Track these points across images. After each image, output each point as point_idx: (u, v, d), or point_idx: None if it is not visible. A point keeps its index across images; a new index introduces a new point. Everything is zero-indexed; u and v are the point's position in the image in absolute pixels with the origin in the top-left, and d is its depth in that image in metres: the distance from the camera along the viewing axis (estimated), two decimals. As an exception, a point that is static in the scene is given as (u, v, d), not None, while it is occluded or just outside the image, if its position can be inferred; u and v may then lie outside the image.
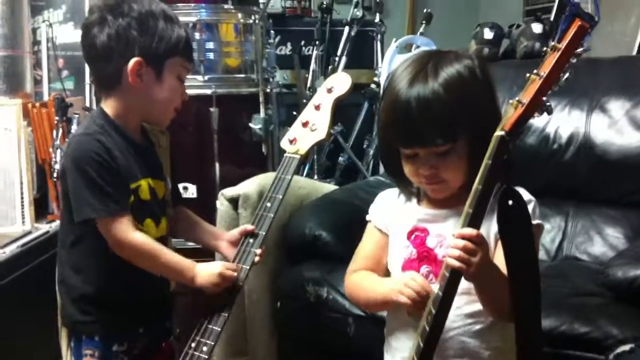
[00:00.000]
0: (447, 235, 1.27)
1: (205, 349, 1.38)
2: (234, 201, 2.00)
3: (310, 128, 1.59)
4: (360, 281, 1.35)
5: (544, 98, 1.07)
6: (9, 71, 2.80)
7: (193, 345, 1.39)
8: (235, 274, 1.44)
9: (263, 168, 2.52)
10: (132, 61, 1.40)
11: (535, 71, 1.07)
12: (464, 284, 1.13)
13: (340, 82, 1.61)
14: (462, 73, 1.22)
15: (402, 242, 1.32)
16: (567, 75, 1.06)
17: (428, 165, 1.23)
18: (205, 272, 1.43)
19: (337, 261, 1.89)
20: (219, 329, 1.40)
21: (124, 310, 1.46)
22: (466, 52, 1.28)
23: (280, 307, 1.93)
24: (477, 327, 1.25)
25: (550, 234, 2.13)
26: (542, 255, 2.09)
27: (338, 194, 2.24)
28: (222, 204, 2.02)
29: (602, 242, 2.08)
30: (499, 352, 1.27)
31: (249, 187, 2.00)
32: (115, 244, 1.39)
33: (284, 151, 1.62)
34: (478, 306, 1.23)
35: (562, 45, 1.05)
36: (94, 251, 1.42)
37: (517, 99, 1.08)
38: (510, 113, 1.09)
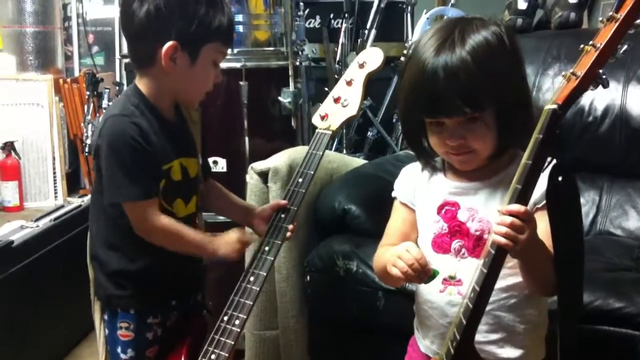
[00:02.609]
0: (479, 209, 1.25)
1: (237, 322, 1.39)
2: (263, 175, 2.00)
3: (342, 104, 1.57)
4: (379, 255, 1.35)
5: (600, 71, 1.03)
6: (40, 47, 2.83)
7: (225, 318, 1.40)
8: (251, 237, 1.49)
9: (292, 142, 2.50)
10: (167, 45, 1.37)
11: (590, 42, 1.03)
12: None
13: (372, 57, 1.59)
14: (490, 40, 1.19)
15: (432, 217, 1.30)
16: (625, 47, 1.02)
17: (456, 136, 1.20)
18: (225, 242, 1.45)
19: (366, 235, 1.88)
20: (251, 303, 1.40)
21: (158, 284, 1.47)
22: (492, 19, 1.24)
23: (310, 281, 1.93)
24: (512, 301, 1.24)
25: (584, 208, 2.10)
26: (575, 230, 2.06)
27: (367, 168, 2.22)
28: (252, 178, 2.02)
29: (637, 216, 2.04)
30: (533, 325, 1.26)
31: (279, 160, 1.99)
32: (141, 228, 1.41)
33: (315, 126, 1.61)
34: (512, 280, 1.22)
35: (621, 15, 1.01)
36: (129, 228, 1.42)
37: (570, 71, 1.04)
38: (563, 86, 1.05)
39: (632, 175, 2.11)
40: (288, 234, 1.49)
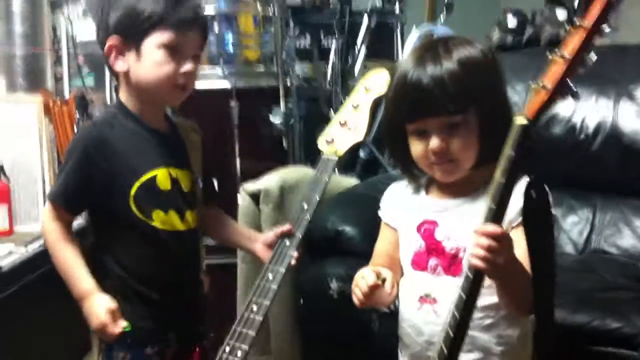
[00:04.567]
0: (455, 227, 1.26)
1: (239, 353, 1.34)
2: (255, 196, 1.98)
3: (348, 128, 1.56)
4: None
5: (569, 81, 1.00)
6: (29, 68, 2.81)
7: (227, 349, 1.35)
8: (117, 331, 1.36)
9: (284, 162, 2.49)
10: (108, 43, 1.39)
11: (558, 52, 1.00)
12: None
13: (378, 80, 1.58)
14: (474, 54, 1.22)
15: (413, 235, 1.31)
16: (594, 56, 0.99)
17: (439, 139, 1.20)
18: (101, 302, 1.36)
19: (360, 256, 1.86)
20: (254, 333, 1.37)
21: (155, 313, 1.44)
22: (474, 39, 1.27)
23: (304, 304, 1.91)
24: (488, 321, 1.23)
25: (578, 226, 2.10)
26: (569, 248, 2.06)
27: (360, 188, 2.21)
28: (243, 199, 2.01)
29: (631, 234, 2.03)
30: (511, 347, 1.25)
31: (270, 182, 1.98)
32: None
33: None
34: (488, 300, 1.20)
35: (587, 23, 0.98)
36: (117, 254, 1.41)
37: (540, 83, 1.01)
38: (532, 98, 1.03)
39: (626, 193, 2.11)
40: (292, 261, 1.46)
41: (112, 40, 1.39)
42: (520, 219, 1.14)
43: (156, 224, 1.41)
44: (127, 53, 1.39)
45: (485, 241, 1.04)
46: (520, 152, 1.02)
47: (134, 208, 1.40)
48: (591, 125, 2.15)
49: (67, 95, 3.09)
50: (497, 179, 1.03)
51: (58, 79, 3.14)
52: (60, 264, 1.42)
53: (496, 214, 1.04)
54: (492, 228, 1.04)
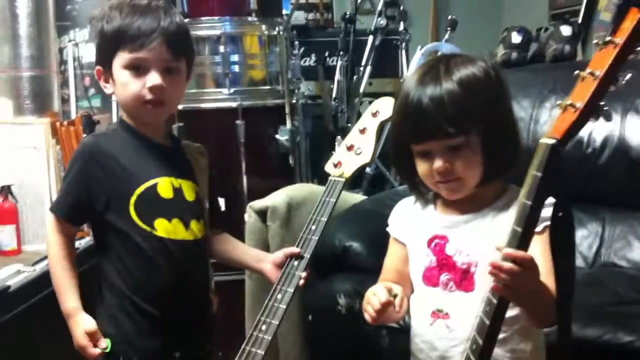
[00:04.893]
0: (466, 242, 1.25)
1: None
2: (262, 213, 1.98)
3: (355, 152, 1.57)
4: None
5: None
6: (36, 91, 2.82)
7: None
8: (96, 352, 1.38)
9: (290, 179, 2.50)
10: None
11: (588, 70, 0.94)
12: (485, 292, 1.07)
13: (385, 106, 1.60)
14: (476, 72, 1.21)
15: (423, 250, 1.30)
16: (628, 75, 0.92)
17: (442, 160, 1.20)
18: (81, 323, 1.39)
19: (368, 272, 1.85)
20: (262, 353, 1.36)
21: (160, 331, 1.43)
22: (477, 55, 1.26)
23: (312, 321, 1.90)
24: (501, 335, 1.19)
25: (587, 240, 2.09)
26: (579, 262, 2.05)
27: (367, 204, 2.21)
28: (250, 216, 2.00)
29: (641, 247, 2.03)
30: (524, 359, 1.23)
31: (277, 199, 1.98)
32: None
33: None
34: None
35: (621, 40, 0.91)
36: (121, 268, 1.41)
37: (568, 102, 0.95)
38: (560, 118, 0.96)
39: (634, 206, 2.11)
40: (301, 282, 1.45)
41: (97, 68, 1.44)
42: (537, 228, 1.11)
43: (160, 233, 1.41)
44: (109, 78, 1.43)
45: (512, 267, 1.00)
46: (547, 174, 0.95)
47: (134, 216, 1.40)
48: (598, 139, 2.15)
49: (74, 116, 3.11)
50: (523, 201, 0.98)
51: (65, 101, 3.17)
52: (53, 278, 1.44)
53: (522, 238, 0.98)
54: (519, 253, 1.00)
